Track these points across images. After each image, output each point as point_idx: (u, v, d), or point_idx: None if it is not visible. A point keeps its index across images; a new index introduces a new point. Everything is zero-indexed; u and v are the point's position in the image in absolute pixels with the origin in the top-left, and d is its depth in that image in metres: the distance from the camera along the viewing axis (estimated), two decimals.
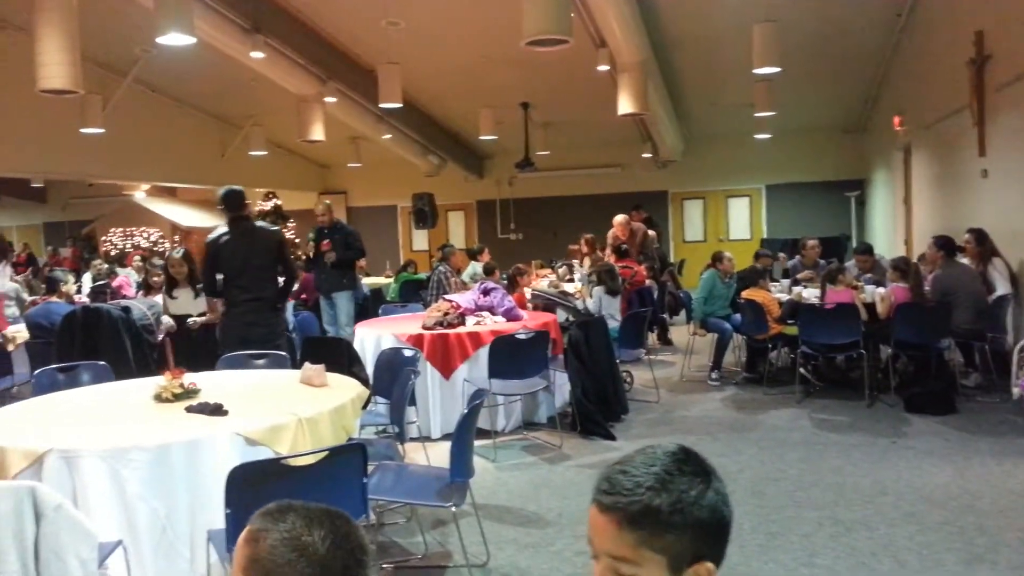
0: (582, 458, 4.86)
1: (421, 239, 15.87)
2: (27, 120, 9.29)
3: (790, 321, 6.21)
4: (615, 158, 14.81)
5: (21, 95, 8.41)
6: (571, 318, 5.92)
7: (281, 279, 5.34)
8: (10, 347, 5.66)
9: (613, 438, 5.18)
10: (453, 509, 2.99)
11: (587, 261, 8.88)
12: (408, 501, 3.36)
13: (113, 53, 9.91)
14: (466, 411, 3.04)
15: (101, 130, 9.32)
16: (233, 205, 5.15)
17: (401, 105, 8.83)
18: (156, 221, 15.94)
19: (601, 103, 9.83)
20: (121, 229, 16.01)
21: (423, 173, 14.82)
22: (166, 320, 5.56)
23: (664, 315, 8.72)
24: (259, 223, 5.42)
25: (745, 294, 6.52)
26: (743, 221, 15.06)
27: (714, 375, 6.80)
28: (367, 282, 10.13)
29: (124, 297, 8.29)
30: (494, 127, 12.01)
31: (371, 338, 5.67)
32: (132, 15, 7.93)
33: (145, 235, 15.88)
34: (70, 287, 6.78)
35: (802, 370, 6.32)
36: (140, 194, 16.06)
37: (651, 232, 9.59)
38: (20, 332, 5.76)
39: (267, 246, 5.20)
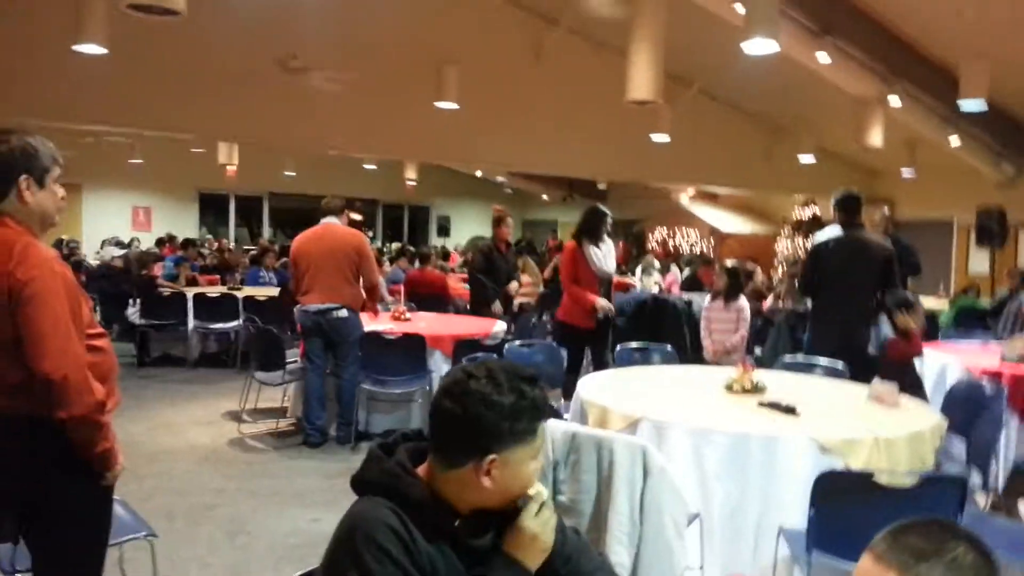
0: None
1: (980, 260, 13.85)
2: (603, 130, 10.69)
3: None
4: None
5: (601, 107, 9.78)
6: None
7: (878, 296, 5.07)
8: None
9: None
10: None
11: None
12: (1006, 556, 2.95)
13: (681, 64, 10.78)
14: None
15: (667, 138, 10.23)
16: (848, 210, 5.05)
17: (985, 107, 7.79)
18: (695, 223, 17.01)
19: None
20: (665, 229, 17.48)
21: (992, 184, 12.88)
22: None
23: None
24: (870, 236, 5.19)
25: None
26: None
27: None
28: None
29: (669, 292, 9.05)
30: None
31: (933, 364, 5.17)
32: (705, 29, 8.52)
33: (685, 236, 17.08)
34: (650, 281, 7.62)
35: None
36: (684, 197, 17.28)
37: None
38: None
39: (874, 259, 4.96)
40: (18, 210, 2.02)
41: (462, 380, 1.43)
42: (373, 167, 17.61)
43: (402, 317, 5.80)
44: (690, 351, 5.37)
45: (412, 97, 8.97)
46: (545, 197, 21.28)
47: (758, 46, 5.70)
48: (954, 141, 11.08)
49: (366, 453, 1.49)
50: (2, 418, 2.01)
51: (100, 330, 2.14)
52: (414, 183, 18.05)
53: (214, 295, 7.88)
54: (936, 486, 2.50)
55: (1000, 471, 4.56)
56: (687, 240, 17.08)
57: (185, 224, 17.37)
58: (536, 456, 1.47)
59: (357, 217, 6.30)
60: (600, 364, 5.25)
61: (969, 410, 3.92)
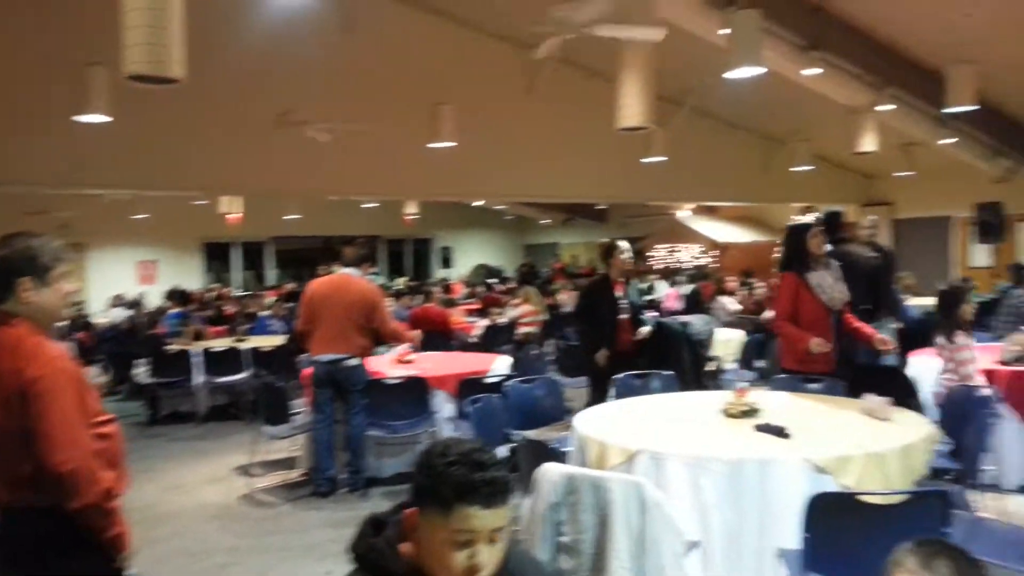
0: None
1: (981, 255, 13.87)
2: (598, 154, 10.82)
3: None
4: None
5: (594, 132, 9.92)
6: None
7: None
8: None
9: None
10: None
11: None
12: (993, 561, 2.98)
13: (671, 87, 10.91)
14: None
15: (662, 158, 10.35)
16: (829, 228, 5.23)
17: (974, 107, 7.89)
18: (696, 237, 17.09)
19: None
20: (667, 245, 17.57)
21: (989, 179, 12.92)
22: None
23: None
24: (856, 249, 5.34)
25: None
26: None
27: None
28: (915, 303, 9.24)
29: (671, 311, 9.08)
30: None
31: (931, 368, 5.20)
32: (692, 50, 8.64)
33: (686, 250, 17.15)
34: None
35: None
36: (684, 213, 17.38)
37: None
38: None
39: (862, 274, 5.10)
40: (23, 310, 2.14)
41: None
42: (373, 204, 17.80)
43: (404, 359, 5.87)
44: (689, 373, 5.42)
45: (408, 138, 9.10)
46: (546, 221, 21.42)
47: (744, 72, 5.82)
48: (947, 142, 11.16)
49: (360, 523, 1.54)
50: (15, 510, 2.10)
51: (107, 416, 2.24)
52: (414, 217, 18.23)
53: (220, 349, 7.96)
54: (920, 501, 2.54)
55: (1009, 472, 4.58)
56: (691, 254, 17.16)
57: (191, 274, 17.56)
58: (457, 545, 1.38)
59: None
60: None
61: (963, 415, 3.97)
